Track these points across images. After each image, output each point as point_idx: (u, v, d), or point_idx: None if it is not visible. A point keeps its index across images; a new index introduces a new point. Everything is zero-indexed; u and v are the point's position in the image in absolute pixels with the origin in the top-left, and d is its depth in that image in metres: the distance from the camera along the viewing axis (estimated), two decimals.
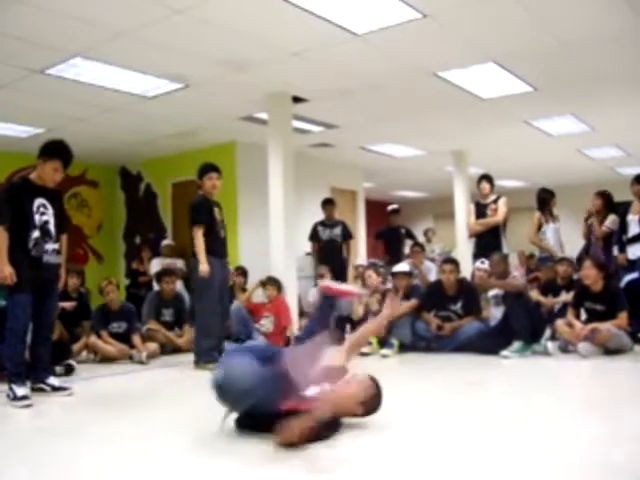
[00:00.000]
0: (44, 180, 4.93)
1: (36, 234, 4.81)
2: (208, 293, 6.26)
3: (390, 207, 11.25)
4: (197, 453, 3.17)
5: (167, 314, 7.79)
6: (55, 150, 4.93)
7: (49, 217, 4.93)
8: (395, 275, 7.62)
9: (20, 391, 4.62)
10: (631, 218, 7.56)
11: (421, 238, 12.67)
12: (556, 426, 3.52)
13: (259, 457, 3.05)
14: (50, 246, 4.90)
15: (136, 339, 7.09)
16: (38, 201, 4.88)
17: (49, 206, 4.95)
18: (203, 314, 6.30)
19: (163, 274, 8.13)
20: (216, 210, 6.49)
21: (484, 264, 7.72)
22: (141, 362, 6.69)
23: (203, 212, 6.36)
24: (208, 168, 6.51)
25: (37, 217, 4.85)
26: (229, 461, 3.02)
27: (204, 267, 6.11)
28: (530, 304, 6.83)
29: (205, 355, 6.18)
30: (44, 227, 4.88)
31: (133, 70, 7.20)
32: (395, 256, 10.02)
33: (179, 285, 9.12)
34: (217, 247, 6.38)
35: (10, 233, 4.71)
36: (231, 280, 8.14)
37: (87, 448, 3.37)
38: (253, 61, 7.10)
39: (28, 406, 4.53)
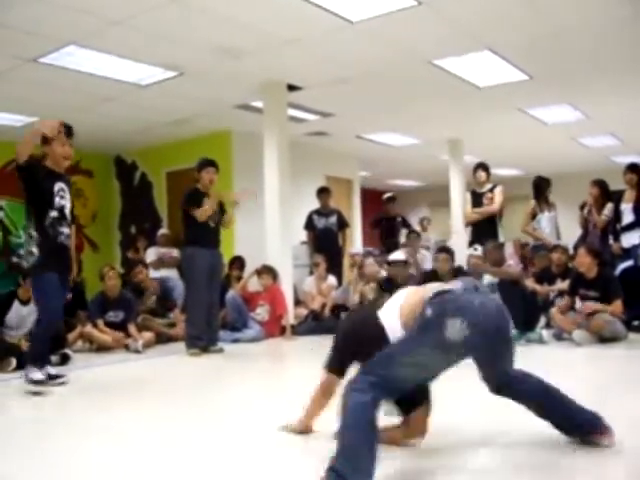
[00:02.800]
0: (58, 163, 4.92)
1: (54, 214, 4.80)
2: (193, 282, 6.56)
3: (385, 195, 11.25)
4: (193, 441, 3.17)
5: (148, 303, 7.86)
6: None
7: (66, 202, 4.94)
8: (390, 264, 7.61)
9: (37, 375, 4.61)
10: (624, 207, 7.65)
11: (417, 227, 12.68)
12: None
13: (264, 444, 3.06)
14: (65, 230, 4.89)
15: (132, 328, 7.09)
16: (58, 185, 4.88)
17: (67, 191, 4.97)
18: (189, 303, 6.69)
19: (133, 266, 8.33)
20: (207, 202, 6.60)
21: (477, 251, 7.76)
22: (137, 351, 6.68)
23: (193, 200, 6.60)
24: (206, 163, 6.78)
25: (57, 199, 4.84)
26: (228, 449, 3.03)
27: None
28: (525, 292, 6.85)
29: (189, 342, 6.53)
30: (62, 211, 4.88)
31: (127, 58, 7.16)
32: (391, 244, 10.04)
33: (174, 274, 9.14)
34: (205, 237, 6.59)
35: (32, 208, 4.82)
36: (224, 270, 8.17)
37: (83, 437, 3.37)
38: (248, 49, 7.07)
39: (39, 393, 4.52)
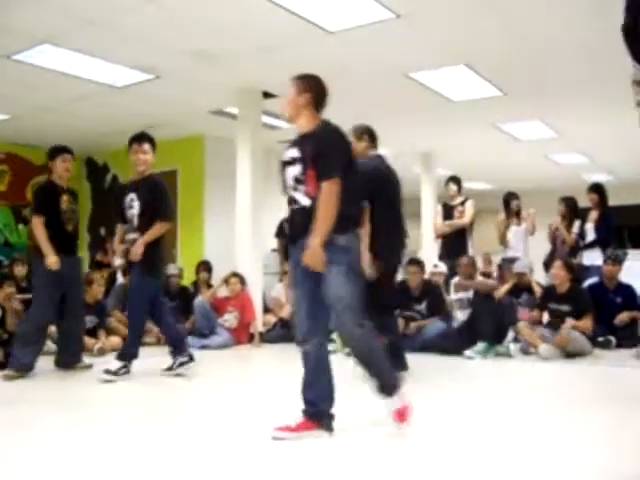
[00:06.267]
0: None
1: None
2: (37, 293, 5.67)
3: None
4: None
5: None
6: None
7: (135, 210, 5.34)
8: None
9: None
10: (588, 226, 7.89)
11: None
12: (520, 429, 3.55)
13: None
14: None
15: (101, 334, 7.02)
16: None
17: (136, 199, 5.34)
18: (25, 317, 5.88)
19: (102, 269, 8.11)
20: (64, 198, 5.66)
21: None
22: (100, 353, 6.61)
23: (47, 199, 5.62)
24: (61, 149, 5.73)
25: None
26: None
27: (50, 260, 5.38)
28: (496, 306, 6.90)
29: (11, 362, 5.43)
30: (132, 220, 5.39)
31: (103, 59, 7.09)
32: None
33: None
34: (59, 243, 5.54)
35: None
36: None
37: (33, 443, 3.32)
38: (225, 55, 7.05)
39: None
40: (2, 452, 3.14)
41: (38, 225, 5.45)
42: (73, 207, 5.72)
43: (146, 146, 5.38)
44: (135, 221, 5.33)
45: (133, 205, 5.34)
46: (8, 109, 9.09)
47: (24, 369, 5.33)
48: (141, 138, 5.42)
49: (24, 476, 2.77)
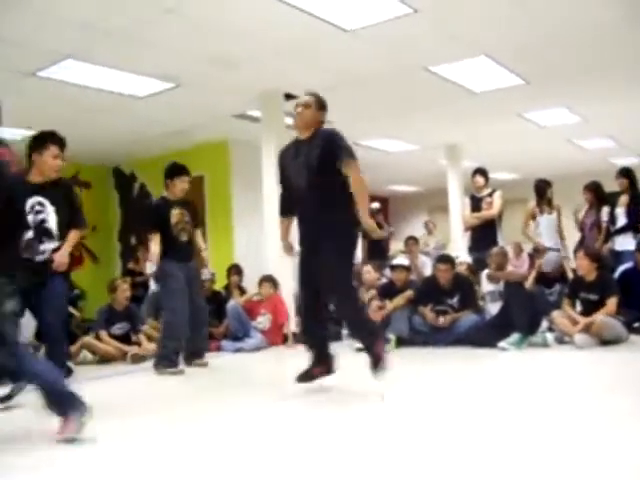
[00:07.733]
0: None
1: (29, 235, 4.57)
2: (171, 296, 6.05)
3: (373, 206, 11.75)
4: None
5: None
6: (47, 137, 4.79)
7: (46, 215, 4.74)
8: (394, 268, 7.61)
9: None
10: (618, 210, 7.79)
11: (422, 231, 12.67)
12: (551, 419, 3.53)
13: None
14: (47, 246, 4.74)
15: (141, 337, 7.17)
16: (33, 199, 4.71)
17: (46, 203, 4.76)
18: (167, 316, 6.11)
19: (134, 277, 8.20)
20: (175, 212, 6.16)
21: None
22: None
23: (158, 213, 6.18)
24: (183, 170, 6.34)
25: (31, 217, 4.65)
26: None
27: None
28: (528, 295, 6.87)
29: (166, 359, 5.93)
30: (40, 227, 4.71)
31: (124, 70, 7.19)
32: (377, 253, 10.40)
33: None
34: (176, 252, 6.08)
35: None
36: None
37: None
38: (244, 59, 7.10)
39: None
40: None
41: (152, 241, 6.00)
42: (185, 219, 6.19)
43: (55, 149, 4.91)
44: (53, 229, 4.81)
45: (43, 210, 4.78)
46: (34, 125, 9.17)
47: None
48: (45, 140, 4.85)
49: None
